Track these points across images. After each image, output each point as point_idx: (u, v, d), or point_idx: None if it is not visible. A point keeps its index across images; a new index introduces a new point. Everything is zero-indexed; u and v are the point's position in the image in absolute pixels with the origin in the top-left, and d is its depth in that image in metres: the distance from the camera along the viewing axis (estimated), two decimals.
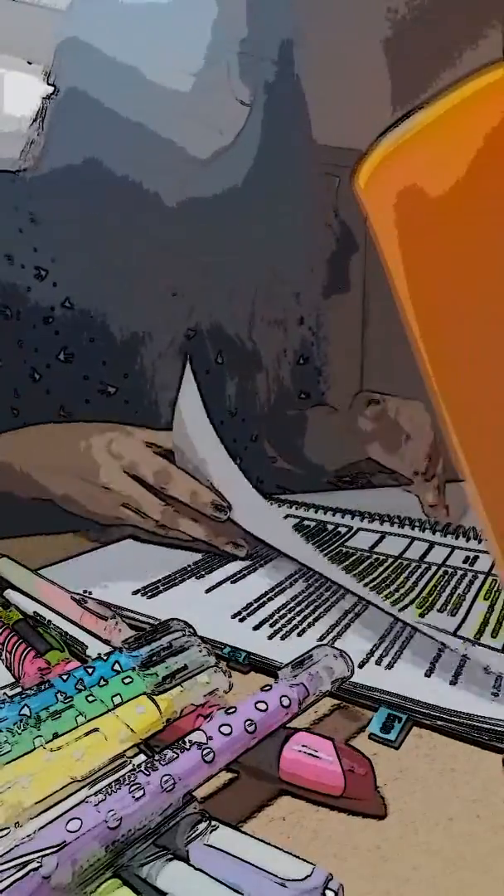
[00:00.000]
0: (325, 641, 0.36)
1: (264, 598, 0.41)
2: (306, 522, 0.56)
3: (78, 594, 0.38)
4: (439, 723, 0.30)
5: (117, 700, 0.26)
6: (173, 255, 0.63)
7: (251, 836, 0.22)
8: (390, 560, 0.47)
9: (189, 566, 0.46)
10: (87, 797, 0.21)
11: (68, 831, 0.19)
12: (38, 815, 0.21)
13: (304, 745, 0.26)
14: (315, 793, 0.25)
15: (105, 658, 0.29)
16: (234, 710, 0.25)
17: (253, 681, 0.34)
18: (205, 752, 0.23)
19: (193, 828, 0.22)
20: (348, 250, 0.78)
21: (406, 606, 0.40)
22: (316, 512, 0.58)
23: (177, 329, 0.63)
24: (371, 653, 0.35)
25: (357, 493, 0.65)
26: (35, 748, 0.23)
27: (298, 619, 0.39)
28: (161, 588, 0.43)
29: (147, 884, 0.20)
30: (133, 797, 0.21)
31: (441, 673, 0.33)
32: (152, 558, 0.48)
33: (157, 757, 0.22)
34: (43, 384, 0.60)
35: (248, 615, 0.39)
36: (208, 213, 0.64)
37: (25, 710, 0.25)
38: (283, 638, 0.37)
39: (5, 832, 0.20)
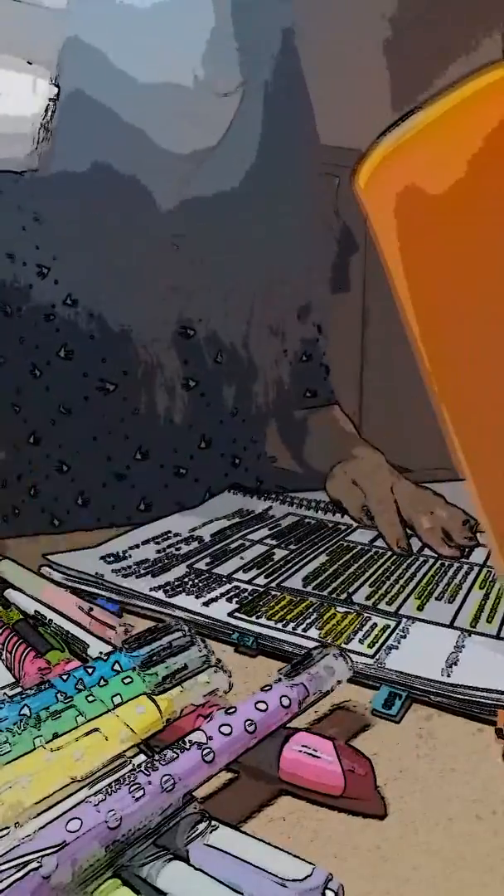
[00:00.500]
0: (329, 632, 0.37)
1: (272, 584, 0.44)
2: (307, 520, 0.57)
3: (86, 602, 0.38)
4: (437, 699, 0.32)
5: (117, 700, 0.26)
6: (173, 255, 0.63)
7: (251, 836, 0.22)
8: (389, 553, 0.49)
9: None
10: (87, 797, 0.21)
11: (68, 831, 0.19)
12: (38, 815, 0.21)
13: (304, 745, 0.26)
14: (315, 793, 0.25)
15: (105, 658, 0.29)
16: (234, 710, 0.25)
17: (261, 664, 0.36)
18: (205, 752, 0.23)
19: (193, 828, 0.22)
20: (348, 250, 0.78)
21: (407, 596, 0.41)
22: (316, 511, 0.59)
23: (176, 328, 0.63)
24: (376, 637, 0.36)
25: None
26: (35, 748, 0.23)
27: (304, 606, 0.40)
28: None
29: (147, 884, 0.20)
30: (133, 797, 0.21)
31: (439, 657, 0.34)
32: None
33: (157, 757, 0.22)
34: (43, 381, 0.60)
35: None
36: (208, 212, 0.64)
37: (25, 710, 0.25)
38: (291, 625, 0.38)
39: (5, 832, 0.20)
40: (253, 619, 0.39)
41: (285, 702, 0.26)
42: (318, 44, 0.71)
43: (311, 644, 0.35)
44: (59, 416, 0.60)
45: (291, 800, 0.26)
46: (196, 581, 0.44)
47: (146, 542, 0.51)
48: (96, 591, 0.43)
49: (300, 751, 0.25)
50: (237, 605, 0.40)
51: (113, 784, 0.21)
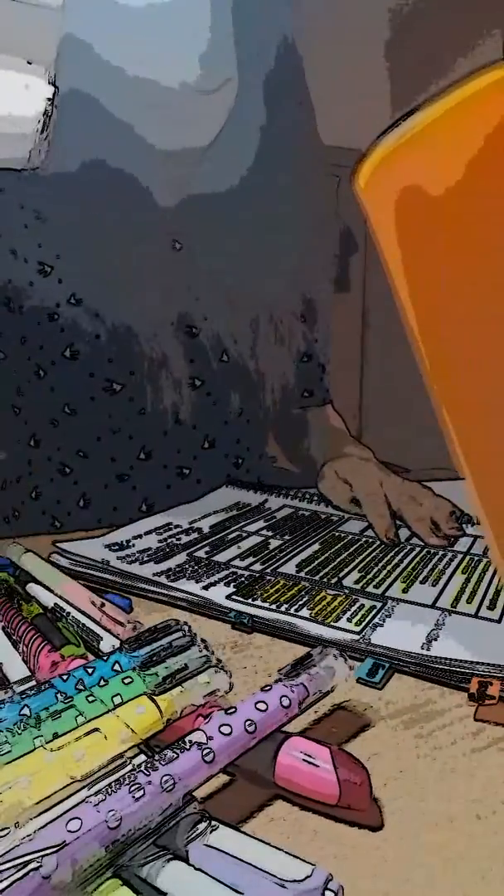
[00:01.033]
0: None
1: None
2: (301, 512, 0.59)
3: (98, 597, 0.39)
4: (416, 669, 0.34)
5: (117, 700, 0.26)
6: (176, 254, 0.63)
7: (251, 837, 0.22)
8: (378, 542, 0.51)
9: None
10: (88, 797, 0.21)
11: (68, 831, 0.19)
12: (39, 815, 0.21)
13: (300, 751, 0.25)
14: (310, 800, 0.25)
15: (105, 658, 0.29)
16: (234, 710, 0.25)
17: (254, 638, 0.39)
18: (205, 752, 0.23)
19: (193, 828, 0.22)
20: (348, 250, 0.78)
21: (393, 581, 0.44)
22: (310, 503, 0.61)
23: (181, 327, 0.63)
24: (363, 617, 0.39)
25: None
26: (35, 748, 0.23)
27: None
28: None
29: (147, 884, 0.20)
30: (133, 797, 0.21)
31: (420, 633, 0.36)
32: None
33: (157, 757, 0.22)
34: (47, 381, 0.60)
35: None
36: (211, 211, 0.64)
37: (25, 710, 0.25)
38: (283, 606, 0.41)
39: (5, 832, 0.20)
40: (249, 601, 0.41)
41: (285, 702, 0.26)
42: (317, 44, 0.71)
43: (303, 623, 0.38)
44: (63, 417, 0.60)
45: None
46: (196, 567, 0.46)
47: (148, 532, 0.53)
48: (105, 576, 0.45)
49: (296, 757, 0.25)
50: (234, 589, 0.43)
51: (113, 784, 0.21)
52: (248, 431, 0.69)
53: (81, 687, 0.27)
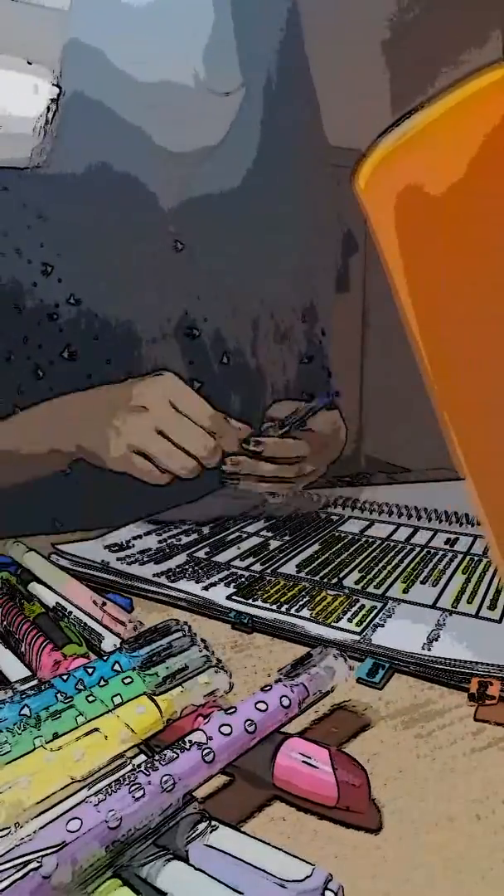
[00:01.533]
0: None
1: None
2: (301, 512, 0.59)
3: (99, 596, 0.39)
4: (416, 669, 0.34)
5: (117, 700, 0.26)
6: (177, 255, 0.63)
7: (251, 837, 0.22)
8: (378, 542, 0.51)
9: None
10: (88, 797, 0.21)
11: (68, 831, 0.19)
12: (39, 815, 0.21)
13: (299, 753, 0.25)
14: (308, 801, 0.25)
15: (105, 658, 0.29)
16: (234, 710, 0.25)
17: (254, 638, 0.39)
18: (205, 752, 0.23)
19: (193, 828, 0.22)
20: (348, 251, 0.78)
21: (393, 581, 0.44)
22: (310, 503, 0.61)
23: (181, 329, 0.63)
24: (363, 617, 0.39)
25: (351, 489, 0.66)
26: (35, 748, 0.23)
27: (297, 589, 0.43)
28: None
29: (147, 884, 0.20)
30: (133, 797, 0.21)
31: (421, 634, 0.36)
32: None
33: (157, 757, 0.22)
34: (46, 382, 0.60)
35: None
36: (212, 213, 0.64)
37: (25, 711, 0.25)
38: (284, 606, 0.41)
39: (5, 832, 0.20)
40: (249, 601, 0.41)
41: (285, 702, 0.26)
42: (317, 44, 0.71)
43: (303, 623, 0.38)
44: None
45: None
46: (196, 568, 0.46)
47: (148, 533, 0.54)
48: (105, 576, 0.45)
49: (295, 758, 0.25)
50: (235, 589, 0.43)
51: (113, 784, 0.21)
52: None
53: (81, 687, 0.27)
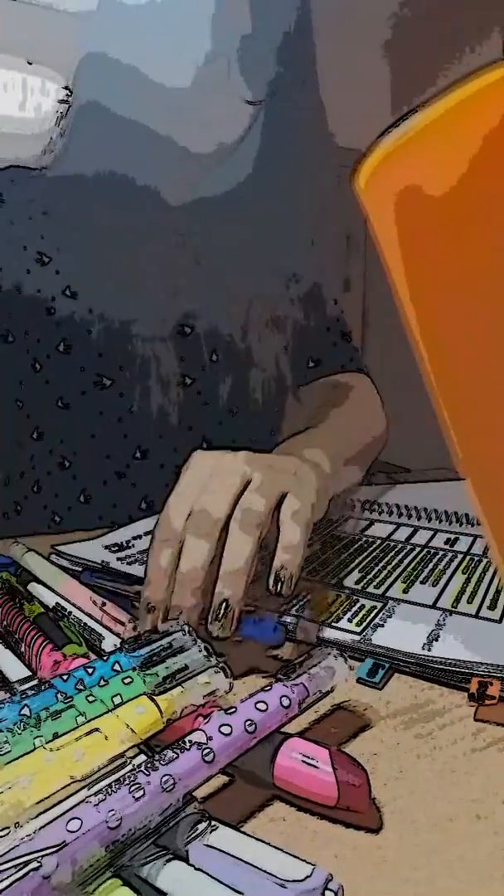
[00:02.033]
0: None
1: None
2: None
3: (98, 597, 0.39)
4: (416, 669, 0.34)
5: (117, 700, 0.26)
6: (174, 253, 0.63)
7: (251, 837, 0.22)
8: (378, 542, 0.51)
9: None
10: (88, 797, 0.21)
11: (68, 831, 0.19)
12: (39, 815, 0.21)
13: (299, 753, 0.25)
14: (308, 801, 0.25)
15: (105, 658, 0.29)
16: (234, 710, 0.25)
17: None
18: (205, 752, 0.23)
19: (193, 828, 0.22)
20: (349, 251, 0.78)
21: (393, 581, 0.43)
22: None
23: (173, 326, 0.63)
24: (363, 617, 0.39)
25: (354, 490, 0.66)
26: (35, 748, 0.23)
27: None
28: None
29: (147, 884, 0.20)
30: (133, 797, 0.21)
31: (421, 634, 0.36)
32: None
33: (157, 757, 0.22)
34: (43, 375, 0.60)
35: None
36: (211, 212, 0.64)
37: (25, 710, 0.25)
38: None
39: (5, 832, 0.20)
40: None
41: (285, 702, 0.26)
42: (318, 45, 0.71)
43: (303, 623, 0.38)
44: (58, 412, 0.60)
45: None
46: None
47: (148, 532, 0.53)
48: (105, 576, 0.45)
49: (295, 758, 0.25)
50: None
51: (113, 784, 0.21)
52: (244, 431, 0.69)
53: (81, 687, 0.27)
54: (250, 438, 0.70)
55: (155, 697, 0.26)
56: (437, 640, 0.36)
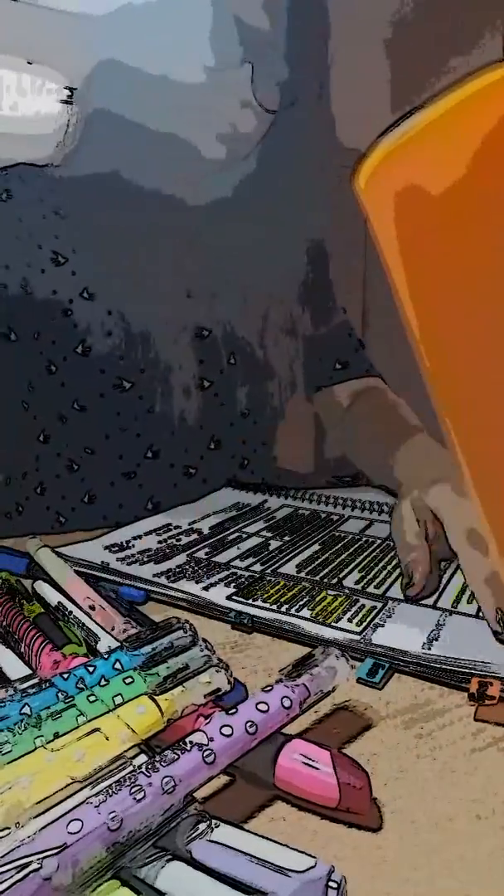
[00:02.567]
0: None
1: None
2: (300, 511, 0.59)
3: (104, 592, 0.39)
4: (416, 669, 0.34)
5: (118, 700, 0.26)
6: (192, 256, 0.63)
7: (252, 833, 0.22)
8: (378, 542, 0.51)
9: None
10: (88, 798, 0.21)
11: (69, 833, 0.19)
12: (39, 815, 0.21)
13: (300, 754, 0.25)
14: (310, 802, 0.25)
15: (106, 657, 0.29)
16: (235, 710, 0.25)
17: (254, 638, 0.39)
18: (205, 753, 0.23)
19: (194, 828, 0.22)
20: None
21: (393, 581, 0.43)
22: (310, 502, 0.61)
23: (192, 328, 0.63)
24: (364, 617, 0.39)
25: (351, 489, 0.66)
26: (36, 748, 0.23)
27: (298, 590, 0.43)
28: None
29: (147, 885, 0.20)
30: (134, 798, 0.21)
31: (421, 634, 0.36)
32: None
33: (157, 758, 0.22)
34: (58, 377, 0.60)
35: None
36: (226, 214, 0.64)
37: (26, 710, 0.25)
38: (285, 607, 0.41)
39: (6, 833, 0.20)
40: (249, 601, 0.41)
41: (286, 703, 0.26)
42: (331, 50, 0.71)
43: (304, 623, 0.38)
44: (72, 413, 0.60)
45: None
46: (196, 568, 0.46)
47: (148, 533, 0.53)
48: (105, 576, 0.45)
49: (296, 759, 0.25)
50: (235, 590, 0.43)
51: (114, 785, 0.21)
52: (254, 433, 0.69)
53: (82, 686, 0.27)
54: (260, 440, 0.70)
55: (156, 697, 0.26)
56: (436, 640, 0.36)
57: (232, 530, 0.54)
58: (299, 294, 0.71)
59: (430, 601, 0.40)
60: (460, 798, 0.26)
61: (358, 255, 0.79)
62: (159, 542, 0.51)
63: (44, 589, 0.39)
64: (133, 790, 0.21)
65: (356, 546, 0.50)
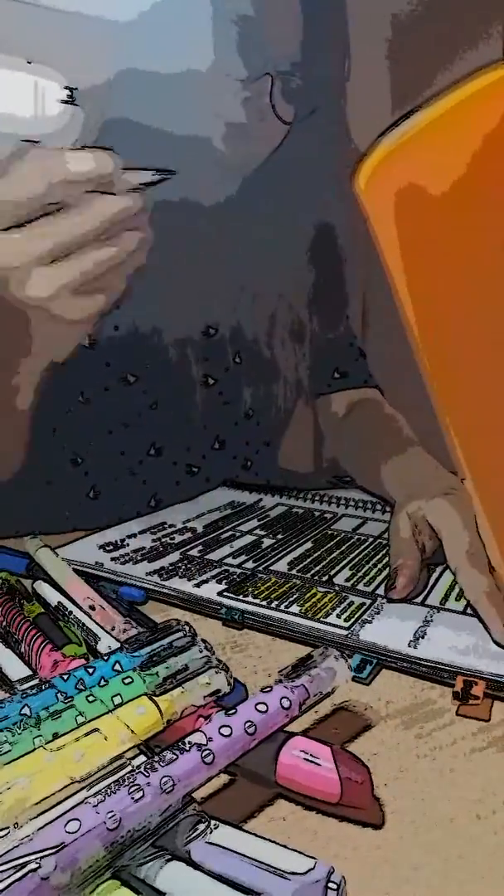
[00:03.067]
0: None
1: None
2: (295, 510, 0.59)
3: (105, 594, 0.39)
4: (402, 665, 0.34)
5: (118, 700, 0.26)
6: (199, 254, 0.63)
7: (252, 834, 0.22)
8: (370, 540, 0.51)
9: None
10: (87, 798, 0.21)
11: (67, 832, 0.19)
12: (38, 815, 0.21)
13: (301, 751, 0.25)
14: (311, 799, 0.25)
15: (106, 658, 0.29)
16: (234, 711, 0.25)
17: (254, 639, 0.39)
18: (204, 753, 0.23)
19: (193, 828, 0.22)
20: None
21: (384, 579, 0.43)
22: (304, 500, 0.61)
23: (198, 326, 0.63)
24: (352, 613, 0.39)
25: (347, 490, 0.66)
26: (35, 748, 0.23)
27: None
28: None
29: (146, 884, 0.20)
30: (132, 798, 0.21)
31: (408, 630, 0.37)
32: None
33: (156, 758, 0.22)
34: (64, 368, 0.60)
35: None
36: (240, 217, 0.64)
37: (26, 710, 0.25)
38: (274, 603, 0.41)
39: (5, 833, 0.20)
40: (240, 597, 0.41)
41: (285, 703, 0.26)
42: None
43: (293, 619, 0.38)
44: (77, 406, 0.60)
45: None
46: (189, 566, 0.46)
47: (142, 532, 0.54)
48: (99, 574, 0.45)
49: (297, 756, 0.25)
50: (226, 586, 0.43)
51: (112, 785, 0.21)
52: (258, 434, 0.69)
53: (82, 687, 0.27)
54: (263, 441, 0.70)
55: (155, 698, 0.26)
56: (423, 636, 0.36)
57: (226, 528, 0.54)
58: (308, 297, 0.71)
59: (418, 599, 0.41)
60: (460, 798, 0.26)
61: (360, 255, 0.79)
62: (153, 540, 0.52)
63: (44, 589, 0.39)
64: (132, 790, 0.21)
65: (348, 544, 0.50)
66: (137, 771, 0.22)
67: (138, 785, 0.21)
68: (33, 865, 0.18)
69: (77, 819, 0.20)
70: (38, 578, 0.41)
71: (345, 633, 0.36)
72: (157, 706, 0.26)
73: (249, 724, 0.24)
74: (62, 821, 0.20)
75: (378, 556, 0.47)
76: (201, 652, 0.29)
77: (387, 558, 0.46)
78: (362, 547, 0.49)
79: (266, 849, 0.21)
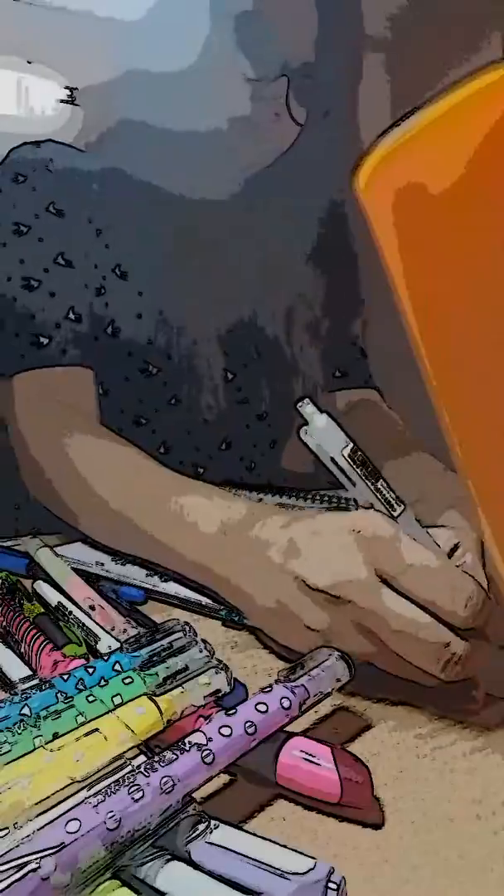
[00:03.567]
0: None
1: None
2: (295, 510, 0.58)
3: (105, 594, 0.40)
4: None
5: (118, 700, 0.26)
6: (222, 252, 0.63)
7: (252, 834, 0.22)
8: None
9: None
10: (87, 798, 0.21)
11: (67, 832, 0.19)
12: (38, 815, 0.21)
13: (301, 751, 0.25)
14: (312, 799, 0.25)
15: (106, 658, 0.29)
16: (234, 711, 0.25)
17: (245, 635, 0.39)
18: (204, 753, 0.23)
19: (193, 828, 0.22)
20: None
21: None
22: (304, 500, 0.61)
23: (220, 319, 0.63)
24: None
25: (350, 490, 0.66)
26: (35, 748, 0.23)
27: None
28: None
29: (146, 884, 0.20)
30: (132, 798, 0.21)
31: None
32: None
33: (156, 758, 0.22)
34: (83, 357, 0.59)
35: None
36: (257, 214, 0.64)
37: (26, 710, 0.25)
38: None
39: (4, 833, 0.20)
40: None
41: (286, 703, 0.26)
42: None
43: None
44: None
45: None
46: None
47: None
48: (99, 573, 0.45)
49: (297, 756, 0.25)
50: None
51: (112, 785, 0.21)
52: (266, 436, 0.69)
53: (82, 687, 0.27)
54: (269, 442, 0.70)
55: (155, 698, 0.26)
56: None
57: None
58: (323, 298, 0.71)
59: None
60: (460, 798, 0.26)
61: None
62: None
63: (44, 589, 0.39)
64: (132, 790, 0.21)
65: None
66: (137, 771, 0.22)
67: (138, 785, 0.21)
68: (33, 865, 0.18)
69: (77, 819, 0.20)
70: (38, 578, 0.41)
71: None
72: (157, 706, 0.26)
73: (249, 724, 0.24)
74: (62, 821, 0.20)
75: None
76: (201, 652, 0.29)
77: None
78: None
79: (266, 849, 0.21)
